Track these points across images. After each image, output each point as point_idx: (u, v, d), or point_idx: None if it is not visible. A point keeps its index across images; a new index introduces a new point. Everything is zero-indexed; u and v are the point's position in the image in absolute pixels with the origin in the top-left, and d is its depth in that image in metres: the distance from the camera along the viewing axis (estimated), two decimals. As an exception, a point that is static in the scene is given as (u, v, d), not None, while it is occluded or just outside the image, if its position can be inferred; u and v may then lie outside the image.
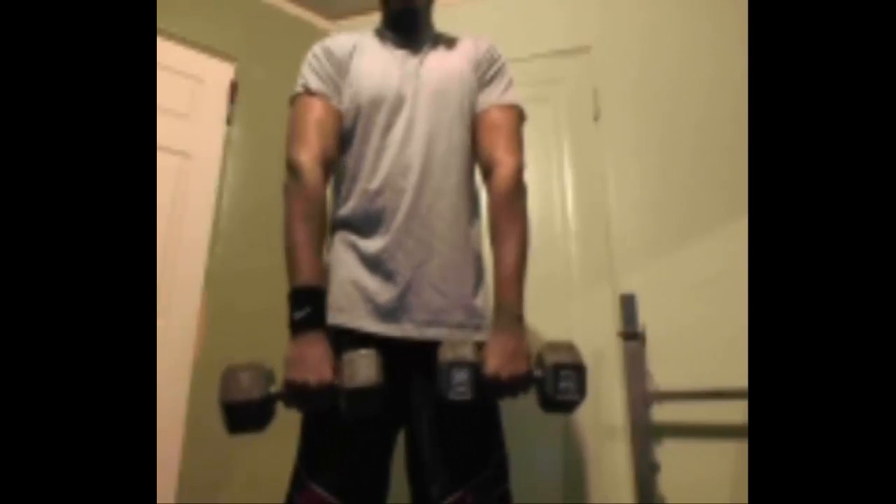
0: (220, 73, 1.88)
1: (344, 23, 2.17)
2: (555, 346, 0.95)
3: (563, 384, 0.89)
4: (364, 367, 0.88)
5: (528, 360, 0.94)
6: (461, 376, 0.88)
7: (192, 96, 1.80)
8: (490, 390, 0.92)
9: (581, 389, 0.91)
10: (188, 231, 1.72)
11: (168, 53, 1.75)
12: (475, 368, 0.90)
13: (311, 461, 0.98)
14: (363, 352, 0.90)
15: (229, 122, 1.87)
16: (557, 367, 0.90)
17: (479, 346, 0.95)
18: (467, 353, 0.90)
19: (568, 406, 0.92)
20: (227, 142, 1.86)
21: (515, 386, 0.93)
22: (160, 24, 1.68)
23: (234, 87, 1.89)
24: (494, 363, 0.91)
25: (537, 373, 0.93)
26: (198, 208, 1.75)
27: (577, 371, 0.91)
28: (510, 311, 0.97)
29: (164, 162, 1.67)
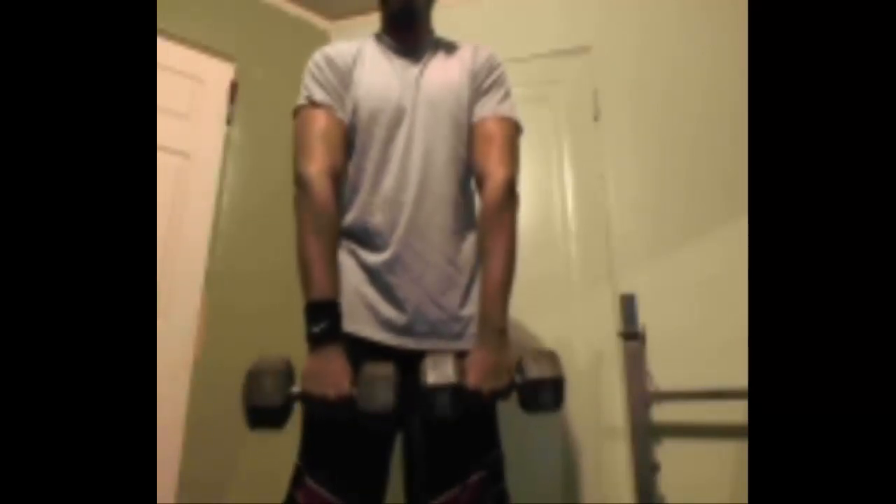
0: (220, 73, 1.88)
1: (344, 23, 2.16)
2: (537, 357, 0.96)
3: (541, 397, 0.94)
4: (381, 391, 0.88)
5: (509, 373, 0.96)
6: (443, 399, 0.89)
7: (192, 96, 1.80)
8: (471, 403, 0.93)
9: (558, 400, 0.95)
10: (188, 231, 1.72)
11: (168, 53, 1.75)
12: (457, 388, 0.90)
13: (312, 459, 0.98)
14: (381, 371, 0.90)
15: (229, 122, 1.87)
16: (537, 382, 0.93)
17: (462, 355, 0.96)
18: (449, 372, 0.91)
19: (545, 410, 0.96)
20: (227, 142, 1.86)
21: (495, 399, 0.95)
22: (160, 24, 1.68)
23: (234, 87, 1.89)
24: (476, 377, 0.93)
25: (518, 379, 0.95)
26: (198, 208, 1.75)
27: (556, 384, 0.94)
28: (494, 324, 0.98)
29: (164, 162, 1.66)
